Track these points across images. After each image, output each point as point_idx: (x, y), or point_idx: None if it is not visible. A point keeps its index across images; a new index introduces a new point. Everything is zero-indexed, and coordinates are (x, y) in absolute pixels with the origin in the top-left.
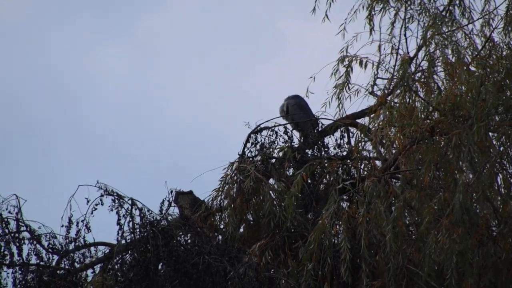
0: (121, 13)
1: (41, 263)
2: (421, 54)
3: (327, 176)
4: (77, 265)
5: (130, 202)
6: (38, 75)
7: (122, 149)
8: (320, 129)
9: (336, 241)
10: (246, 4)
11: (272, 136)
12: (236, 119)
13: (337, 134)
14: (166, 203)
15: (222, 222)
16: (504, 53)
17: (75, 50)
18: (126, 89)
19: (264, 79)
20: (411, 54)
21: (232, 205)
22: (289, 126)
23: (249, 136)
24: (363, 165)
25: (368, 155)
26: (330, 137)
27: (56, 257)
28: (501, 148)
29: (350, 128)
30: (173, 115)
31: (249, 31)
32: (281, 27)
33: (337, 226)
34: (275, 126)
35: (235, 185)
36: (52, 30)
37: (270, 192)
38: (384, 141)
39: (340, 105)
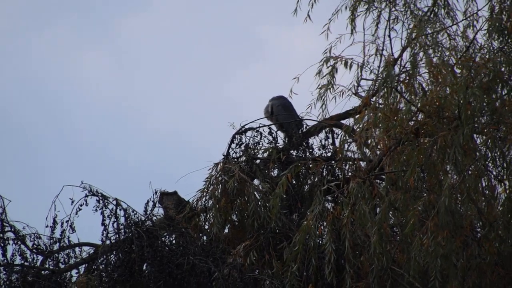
0: (101, 17)
1: (26, 263)
2: (405, 55)
3: (312, 177)
4: (61, 266)
5: (114, 202)
6: (21, 78)
7: (106, 152)
8: (304, 130)
9: (320, 242)
10: (226, 9)
11: (257, 137)
12: (218, 124)
13: (322, 135)
14: (150, 204)
15: (206, 223)
16: (491, 55)
17: (57, 54)
18: (107, 93)
19: (246, 84)
20: (396, 55)
21: (217, 206)
22: (273, 127)
23: (233, 137)
24: (347, 166)
25: (352, 156)
26: (314, 138)
27: (40, 258)
28: (486, 151)
29: (334, 129)
30: (155, 119)
31: (229, 36)
32: (261, 32)
33: (322, 227)
34: (259, 127)
35: (220, 185)
36: (33, 33)
37: (255, 192)
38: (368, 142)
39: (324, 106)
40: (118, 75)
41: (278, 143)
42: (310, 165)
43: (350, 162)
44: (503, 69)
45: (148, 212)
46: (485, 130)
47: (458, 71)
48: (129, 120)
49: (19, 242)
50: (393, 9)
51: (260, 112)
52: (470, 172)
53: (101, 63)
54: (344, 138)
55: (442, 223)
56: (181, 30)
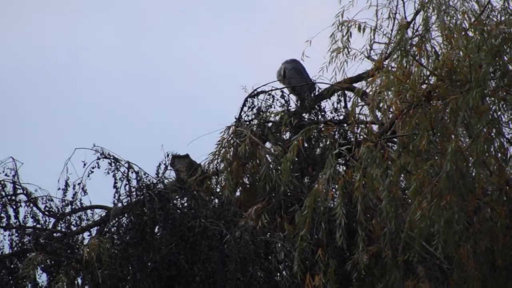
0: None
1: (38, 225)
2: (418, 18)
3: (324, 140)
4: (73, 228)
5: (126, 165)
6: (32, 40)
7: (118, 115)
8: (317, 93)
9: (332, 205)
10: None
11: (269, 100)
12: (230, 89)
13: (334, 98)
14: (162, 167)
15: (218, 186)
16: (503, 18)
17: (65, 15)
18: (118, 56)
19: (255, 51)
20: (409, 19)
21: (229, 169)
22: (286, 90)
23: (246, 100)
24: (359, 129)
25: (364, 119)
26: (327, 101)
27: (52, 220)
28: (495, 114)
29: (347, 92)
30: (167, 82)
31: (239, 4)
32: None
33: (333, 190)
34: (272, 90)
35: (232, 148)
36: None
37: (267, 155)
38: (381, 105)
39: (338, 70)
40: (128, 38)
41: (290, 106)
42: (322, 128)
43: (362, 125)
44: None
45: (160, 175)
46: (496, 93)
47: (471, 34)
48: (140, 83)
49: (31, 205)
50: None
51: (271, 76)
52: (481, 135)
53: (112, 26)
54: (356, 101)
55: (443, 189)
56: None
